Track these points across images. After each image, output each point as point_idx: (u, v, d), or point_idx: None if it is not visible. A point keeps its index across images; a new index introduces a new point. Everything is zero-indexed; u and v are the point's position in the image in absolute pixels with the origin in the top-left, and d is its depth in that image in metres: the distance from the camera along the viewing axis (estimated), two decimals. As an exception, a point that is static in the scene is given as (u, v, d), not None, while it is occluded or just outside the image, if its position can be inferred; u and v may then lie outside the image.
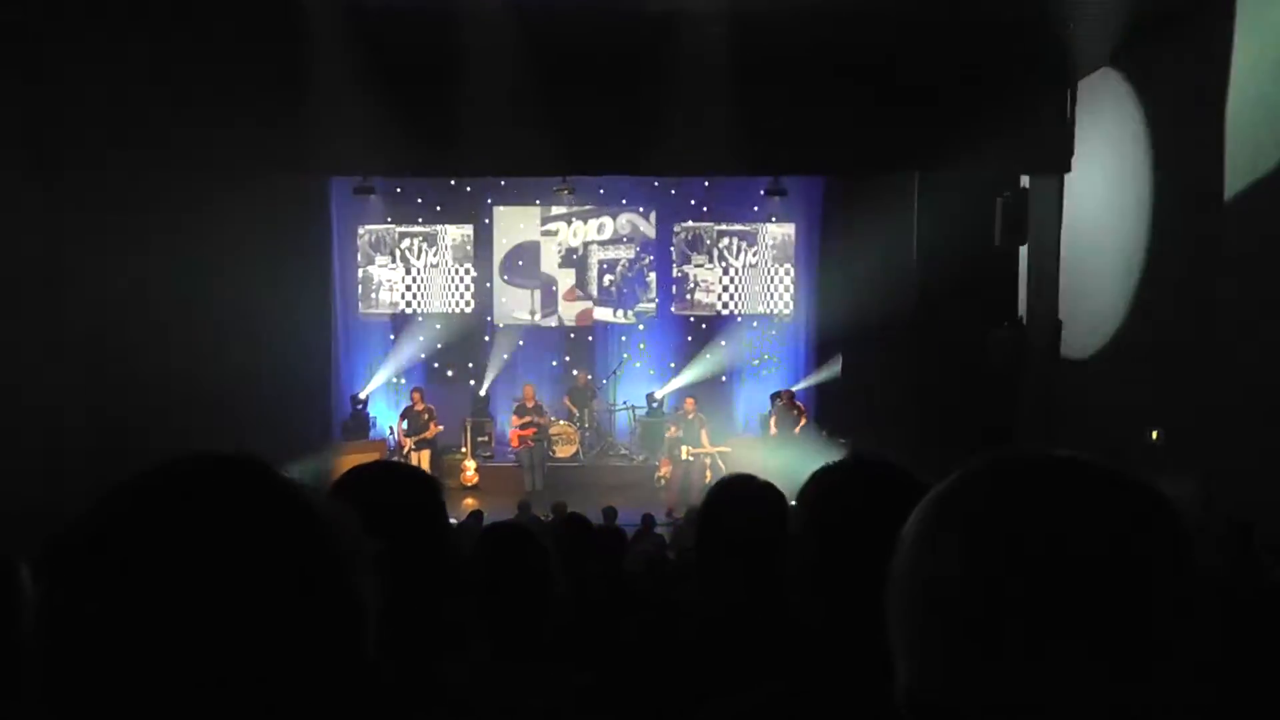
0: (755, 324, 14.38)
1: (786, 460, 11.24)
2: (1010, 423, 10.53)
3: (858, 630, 1.30)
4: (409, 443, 12.27)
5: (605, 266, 14.46)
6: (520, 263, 14.39)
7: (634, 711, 1.97)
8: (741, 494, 1.93)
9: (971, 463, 0.74)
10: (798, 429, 12.09)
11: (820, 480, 1.41)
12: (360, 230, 14.19)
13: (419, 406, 12.53)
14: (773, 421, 12.30)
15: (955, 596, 0.67)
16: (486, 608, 1.91)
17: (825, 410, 13.11)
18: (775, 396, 12.58)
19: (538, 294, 14.41)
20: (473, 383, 14.02)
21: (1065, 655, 0.64)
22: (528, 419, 12.40)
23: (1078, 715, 0.64)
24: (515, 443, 12.53)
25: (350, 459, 9.76)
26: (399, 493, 1.41)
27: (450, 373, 14.20)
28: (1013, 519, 0.68)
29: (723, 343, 14.27)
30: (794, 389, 12.93)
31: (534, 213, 14.30)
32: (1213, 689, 0.66)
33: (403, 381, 13.90)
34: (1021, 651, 0.65)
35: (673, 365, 14.28)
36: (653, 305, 14.48)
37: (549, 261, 14.41)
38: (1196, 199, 7.99)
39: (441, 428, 12.51)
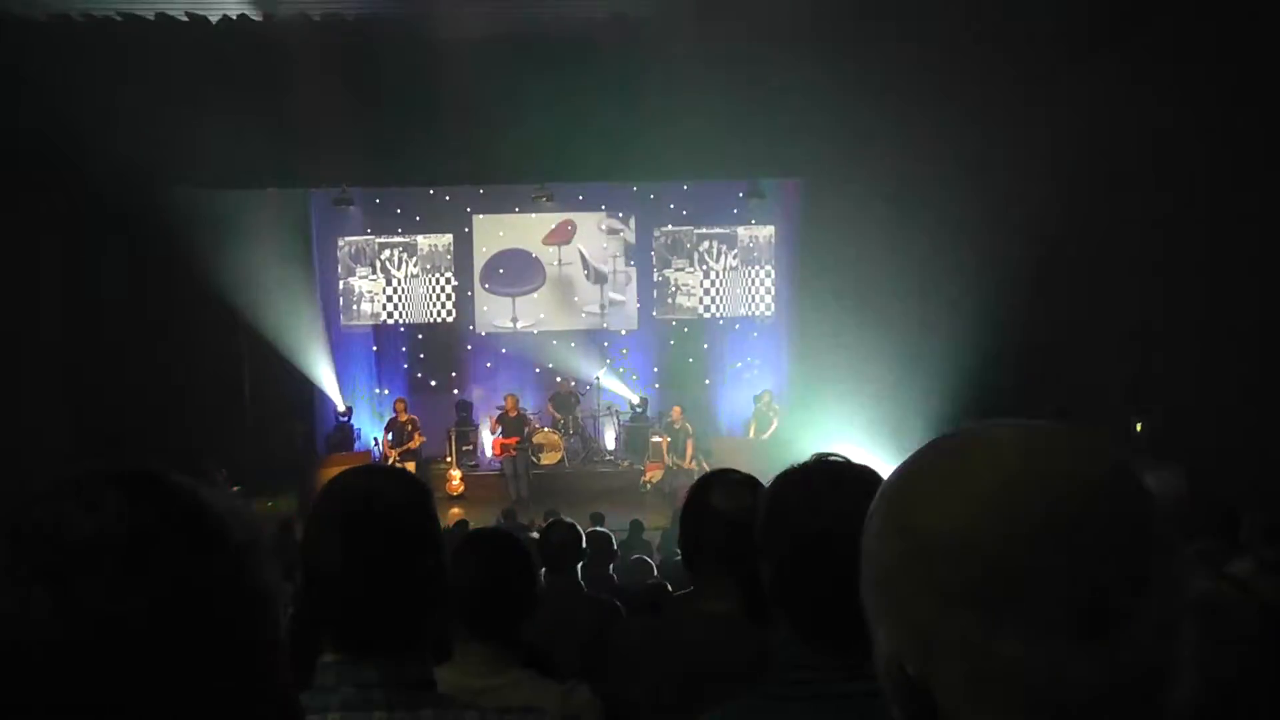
0: (737, 326, 14.40)
1: (769, 461, 11.29)
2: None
3: (828, 628, 1.29)
4: (394, 454, 12.03)
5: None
6: (501, 270, 14.37)
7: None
8: (722, 490, 1.92)
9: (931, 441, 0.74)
10: (769, 432, 12.14)
11: (781, 483, 1.40)
12: (340, 242, 14.14)
13: (403, 418, 12.38)
14: (754, 423, 12.33)
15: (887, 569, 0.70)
16: (468, 613, 1.90)
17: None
18: (757, 398, 12.63)
19: (519, 301, 14.39)
20: (455, 392, 13.96)
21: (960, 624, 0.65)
22: (510, 428, 12.34)
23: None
24: (498, 452, 12.46)
25: (335, 471, 9.68)
26: (388, 496, 1.38)
27: (433, 382, 14.16)
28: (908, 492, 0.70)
29: (704, 345, 14.31)
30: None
31: (514, 220, 14.28)
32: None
33: (386, 393, 13.85)
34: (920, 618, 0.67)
35: (655, 370, 14.28)
36: (634, 310, 14.48)
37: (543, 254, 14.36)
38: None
39: (425, 439, 12.40)
